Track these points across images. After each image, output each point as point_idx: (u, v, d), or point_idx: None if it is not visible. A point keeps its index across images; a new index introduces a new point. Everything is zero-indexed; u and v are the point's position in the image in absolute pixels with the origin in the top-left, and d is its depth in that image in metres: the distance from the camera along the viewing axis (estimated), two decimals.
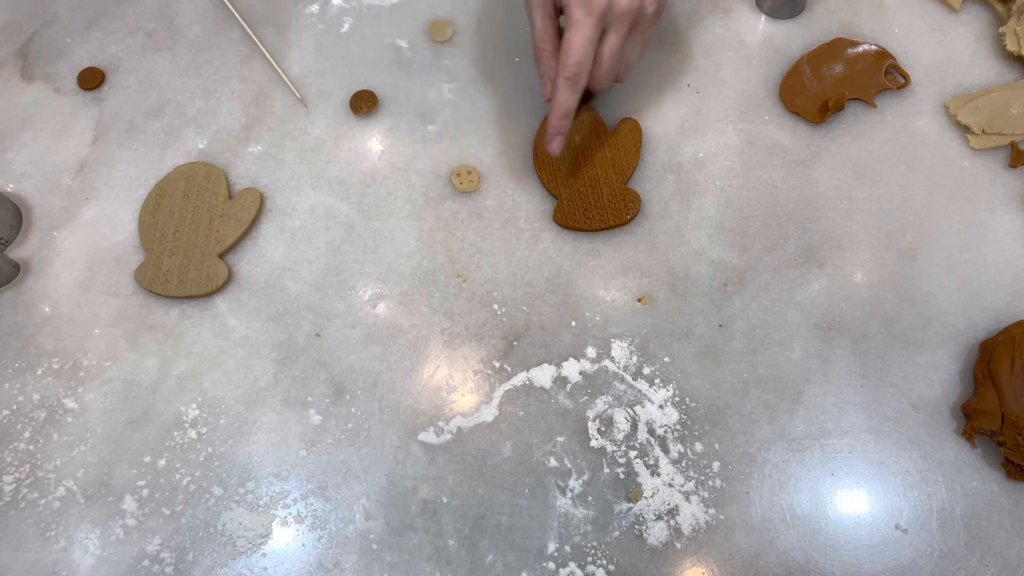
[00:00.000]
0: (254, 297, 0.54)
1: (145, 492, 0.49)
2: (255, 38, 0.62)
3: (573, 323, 0.53)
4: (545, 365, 0.52)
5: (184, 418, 0.51)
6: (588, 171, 0.56)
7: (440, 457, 0.50)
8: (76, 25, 0.64)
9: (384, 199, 0.57)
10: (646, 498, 0.48)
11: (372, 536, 0.48)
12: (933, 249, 0.55)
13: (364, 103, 0.59)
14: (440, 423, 0.51)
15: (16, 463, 0.50)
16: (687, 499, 0.48)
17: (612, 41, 0.49)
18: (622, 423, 0.50)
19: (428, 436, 0.50)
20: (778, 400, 0.51)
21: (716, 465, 0.49)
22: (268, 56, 0.61)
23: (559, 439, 0.50)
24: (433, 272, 0.55)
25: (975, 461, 0.49)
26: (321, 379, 0.52)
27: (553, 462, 0.49)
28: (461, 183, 0.57)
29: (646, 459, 0.49)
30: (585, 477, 0.49)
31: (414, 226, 0.56)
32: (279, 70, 0.61)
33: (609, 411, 0.51)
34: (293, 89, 0.60)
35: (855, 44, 0.61)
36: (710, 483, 0.49)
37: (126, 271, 0.55)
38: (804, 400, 0.51)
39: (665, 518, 0.48)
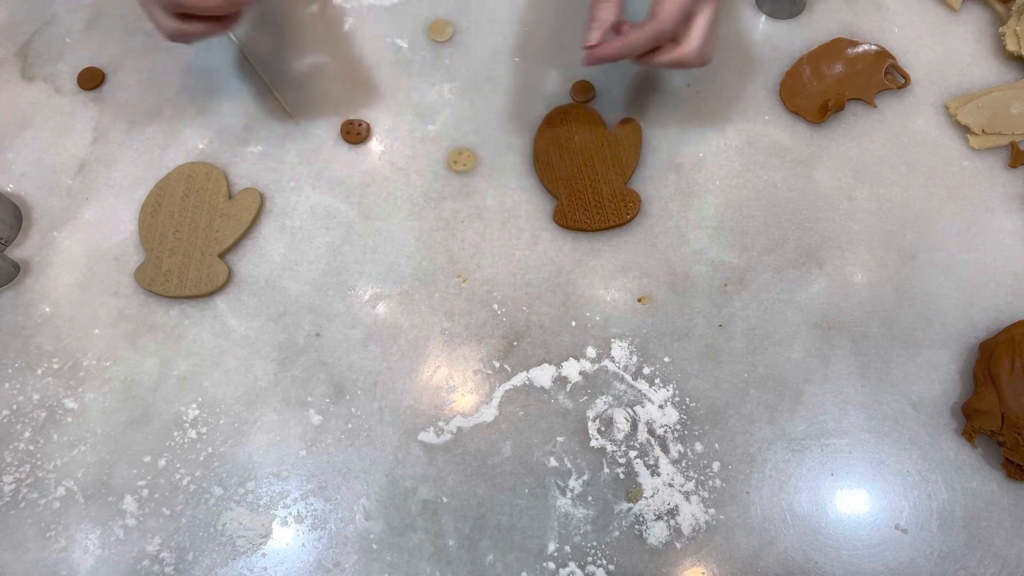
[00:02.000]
0: (254, 297, 0.54)
1: (145, 492, 0.49)
2: (247, 56, 0.62)
3: (573, 323, 0.53)
4: (545, 365, 0.52)
5: (184, 418, 0.51)
6: (588, 171, 0.56)
7: (440, 457, 0.50)
8: (76, 25, 0.64)
9: (384, 199, 0.57)
10: (646, 498, 0.48)
11: (372, 536, 0.48)
12: (933, 249, 0.55)
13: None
14: (440, 423, 0.51)
15: (16, 463, 0.50)
16: (687, 499, 0.48)
17: (709, 14, 0.49)
18: (622, 423, 0.50)
19: (428, 436, 0.50)
20: (778, 400, 0.51)
21: (716, 465, 0.49)
22: (258, 71, 0.61)
23: (559, 439, 0.50)
24: (433, 272, 0.55)
25: (975, 461, 0.49)
26: (321, 379, 0.52)
27: (553, 462, 0.49)
28: (456, 164, 0.57)
29: (646, 459, 0.49)
30: (585, 477, 0.49)
31: (414, 226, 0.56)
32: (269, 84, 0.61)
33: (609, 411, 0.51)
34: (283, 102, 0.60)
35: (855, 44, 0.61)
36: (710, 483, 0.49)
37: (126, 271, 0.55)
38: (804, 400, 0.51)
39: (665, 518, 0.48)
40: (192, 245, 0.54)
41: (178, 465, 0.50)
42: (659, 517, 0.48)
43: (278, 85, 0.61)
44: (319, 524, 0.48)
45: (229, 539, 0.48)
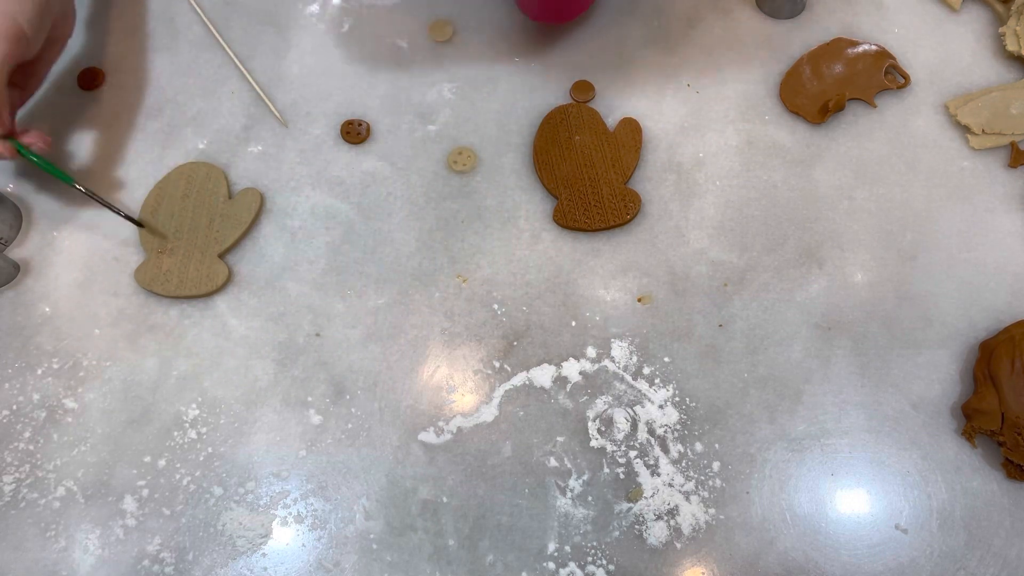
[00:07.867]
0: (254, 297, 0.54)
1: (145, 492, 0.49)
2: (238, 62, 0.62)
3: (573, 323, 0.53)
4: (545, 365, 0.52)
5: (184, 418, 0.51)
6: (588, 171, 0.56)
7: (440, 457, 0.50)
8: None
9: (384, 199, 0.57)
10: (646, 498, 0.48)
11: (372, 536, 0.48)
12: (933, 249, 0.55)
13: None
14: (440, 423, 0.51)
15: (16, 463, 0.50)
16: (687, 499, 0.48)
17: None
18: (622, 423, 0.50)
19: (428, 436, 0.50)
20: (778, 400, 0.51)
21: (716, 465, 0.49)
22: (249, 78, 0.61)
23: (559, 439, 0.50)
24: (433, 272, 0.55)
25: (975, 461, 0.49)
26: (321, 379, 0.52)
27: (553, 462, 0.49)
28: (456, 164, 0.57)
29: (646, 459, 0.49)
30: (585, 477, 0.49)
31: (414, 226, 0.56)
32: (259, 89, 0.60)
33: (609, 411, 0.51)
34: (274, 110, 0.60)
35: (855, 44, 0.61)
36: (710, 483, 0.49)
37: (126, 271, 0.55)
38: (804, 400, 0.51)
39: (665, 518, 0.48)
40: (192, 245, 0.54)
41: (178, 465, 0.50)
42: (659, 517, 0.48)
43: (276, 87, 0.61)
44: (319, 524, 0.48)
45: (229, 539, 0.48)
